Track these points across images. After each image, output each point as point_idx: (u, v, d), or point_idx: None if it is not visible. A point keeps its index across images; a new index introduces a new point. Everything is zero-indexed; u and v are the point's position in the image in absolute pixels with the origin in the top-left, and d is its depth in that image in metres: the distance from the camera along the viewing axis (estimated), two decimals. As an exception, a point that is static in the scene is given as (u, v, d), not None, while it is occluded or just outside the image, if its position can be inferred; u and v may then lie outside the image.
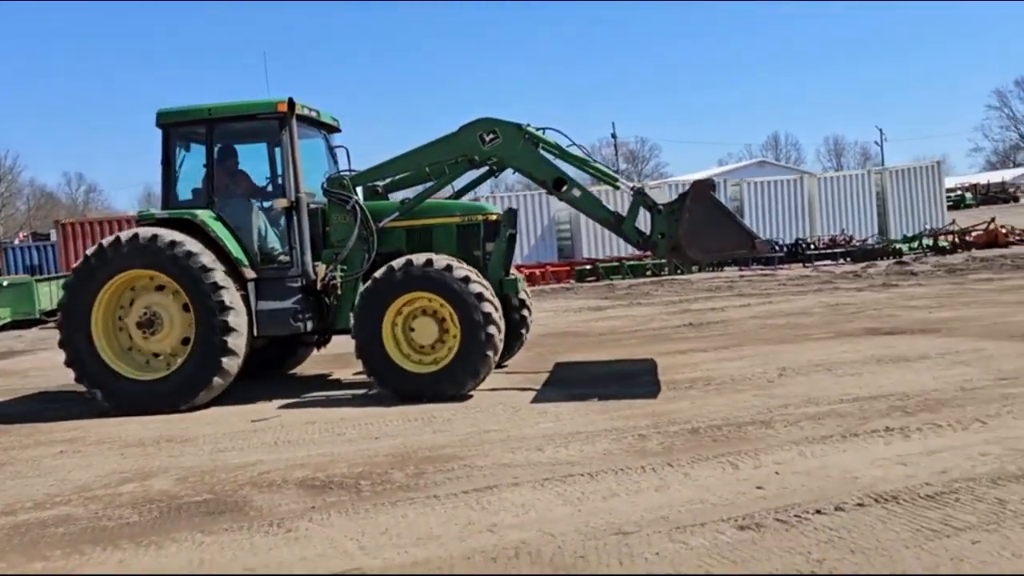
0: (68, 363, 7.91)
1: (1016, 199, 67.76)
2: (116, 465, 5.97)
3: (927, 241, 25.85)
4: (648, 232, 8.06)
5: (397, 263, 7.61)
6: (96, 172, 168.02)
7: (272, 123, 8.26)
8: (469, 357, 7.40)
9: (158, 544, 4.29)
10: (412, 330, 7.65)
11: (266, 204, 8.58)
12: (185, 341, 7.88)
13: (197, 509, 4.84)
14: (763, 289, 17.87)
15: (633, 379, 8.11)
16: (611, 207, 8.53)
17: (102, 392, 7.77)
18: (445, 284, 7.43)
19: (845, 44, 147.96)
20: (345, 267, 8.22)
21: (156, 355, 8.03)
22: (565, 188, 8.17)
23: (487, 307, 7.40)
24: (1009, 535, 3.72)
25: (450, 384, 7.47)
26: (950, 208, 60.35)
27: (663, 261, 22.24)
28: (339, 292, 8.18)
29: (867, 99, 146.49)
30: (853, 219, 28.67)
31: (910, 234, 27.30)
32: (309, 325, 8.13)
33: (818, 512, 4.13)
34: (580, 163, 8.46)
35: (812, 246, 25.65)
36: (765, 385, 7.40)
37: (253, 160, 9.00)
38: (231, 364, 7.69)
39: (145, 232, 7.73)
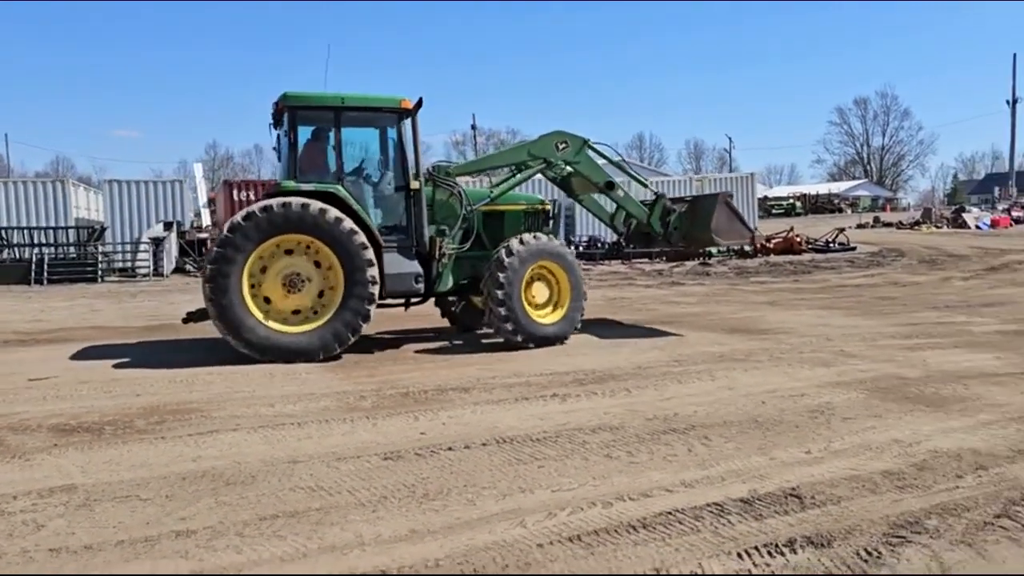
0: (216, 318, 8.70)
1: (840, 210, 74.25)
2: None
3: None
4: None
5: (526, 237, 9.85)
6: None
7: (392, 116, 9.65)
8: (577, 309, 10.10)
9: (-91, 469, 5.17)
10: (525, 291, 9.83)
11: (390, 182, 9.84)
12: (295, 310, 8.96)
13: (-46, 446, 5.71)
14: (569, 282, 19.59)
15: (394, 351, 9.39)
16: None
17: (250, 345, 8.71)
18: (566, 257, 10.06)
19: (711, 51, 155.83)
20: (450, 241, 10.02)
21: (276, 310, 8.92)
22: (614, 189, 11.02)
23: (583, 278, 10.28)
24: (567, 463, 5.16)
25: (566, 331, 10.00)
26: (782, 215, 65.74)
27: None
28: (444, 261, 9.85)
29: (728, 106, 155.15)
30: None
31: (721, 238, 30.05)
32: (422, 287, 9.69)
33: (449, 449, 5.48)
34: (621, 170, 11.74)
35: (633, 245, 27.75)
36: (494, 362, 8.83)
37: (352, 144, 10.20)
38: (365, 323, 9.05)
39: (315, 205, 8.82)
